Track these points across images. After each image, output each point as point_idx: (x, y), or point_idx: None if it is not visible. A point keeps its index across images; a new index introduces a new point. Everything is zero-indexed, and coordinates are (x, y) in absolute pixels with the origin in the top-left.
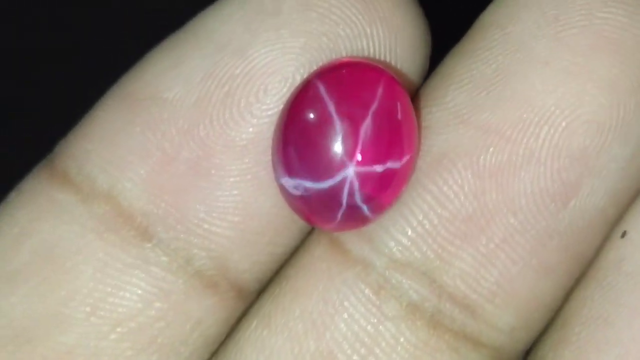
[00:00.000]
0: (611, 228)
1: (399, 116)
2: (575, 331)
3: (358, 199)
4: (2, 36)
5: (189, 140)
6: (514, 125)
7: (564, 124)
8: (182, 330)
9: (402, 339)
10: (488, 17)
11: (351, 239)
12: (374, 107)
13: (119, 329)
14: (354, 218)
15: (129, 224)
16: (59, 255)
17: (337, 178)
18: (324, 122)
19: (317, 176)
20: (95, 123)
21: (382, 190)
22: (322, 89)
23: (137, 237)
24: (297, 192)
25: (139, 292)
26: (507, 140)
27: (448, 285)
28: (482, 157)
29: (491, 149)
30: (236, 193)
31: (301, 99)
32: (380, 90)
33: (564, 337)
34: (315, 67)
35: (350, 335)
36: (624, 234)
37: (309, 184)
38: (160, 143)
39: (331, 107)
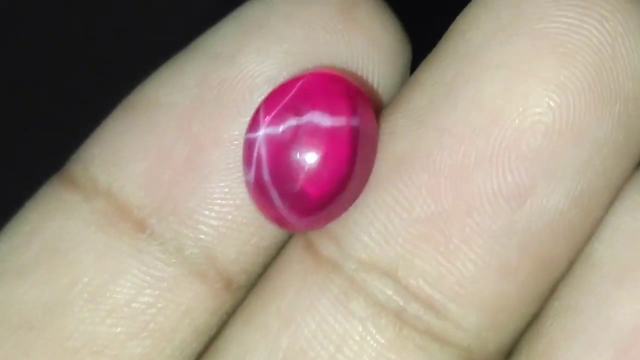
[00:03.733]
0: (581, 233)
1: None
2: (547, 323)
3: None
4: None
5: (182, 138)
6: (466, 127)
7: (513, 125)
8: (173, 317)
9: (369, 338)
10: (455, 24)
11: (322, 240)
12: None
13: (114, 315)
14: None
15: (126, 217)
16: (63, 248)
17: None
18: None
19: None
20: (103, 130)
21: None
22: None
23: (133, 228)
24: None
25: (133, 279)
26: (461, 142)
27: (412, 286)
28: (437, 159)
29: (446, 151)
30: (223, 185)
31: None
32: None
33: (536, 329)
34: (297, 70)
35: (319, 333)
36: None
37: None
38: (157, 142)
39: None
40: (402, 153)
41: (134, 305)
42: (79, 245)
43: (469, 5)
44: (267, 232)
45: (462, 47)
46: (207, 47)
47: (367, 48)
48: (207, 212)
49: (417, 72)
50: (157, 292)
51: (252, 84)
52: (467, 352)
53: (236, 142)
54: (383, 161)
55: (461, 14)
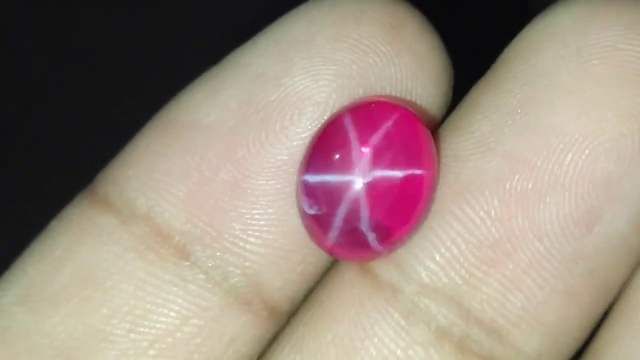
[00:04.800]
0: (636, 258)
1: (416, 145)
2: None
3: (364, 222)
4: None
5: (226, 162)
6: (539, 152)
7: (587, 151)
8: (217, 347)
9: None
10: (511, 51)
11: (380, 264)
12: (387, 126)
13: (157, 345)
14: (354, 243)
15: (168, 243)
16: (99, 275)
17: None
18: (341, 143)
19: (329, 197)
20: (136, 150)
21: (394, 216)
22: (347, 120)
23: (175, 255)
24: (311, 212)
25: (177, 308)
26: (533, 168)
27: (476, 310)
28: (508, 184)
29: (517, 176)
30: (271, 212)
31: (327, 129)
32: (395, 117)
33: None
34: (346, 93)
35: (380, 359)
36: None
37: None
38: (199, 166)
39: (351, 134)
40: (469, 178)
41: (178, 335)
42: (116, 272)
43: (525, 30)
44: (313, 260)
45: (526, 72)
46: (246, 65)
47: (415, 70)
48: (253, 240)
49: (470, 97)
50: (202, 322)
51: (300, 107)
52: None
53: (284, 167)
54: (447, 185)
55: (517, 39)
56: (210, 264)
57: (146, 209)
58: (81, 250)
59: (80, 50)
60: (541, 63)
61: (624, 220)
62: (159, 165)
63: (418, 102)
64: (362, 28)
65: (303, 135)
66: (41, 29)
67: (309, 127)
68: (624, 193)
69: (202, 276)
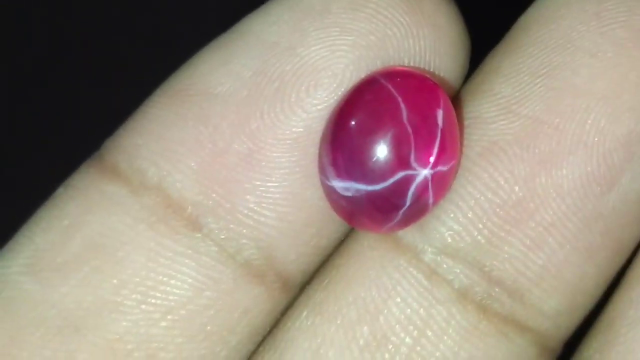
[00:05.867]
0: None
1: (451, 124)
2: (622, 332)
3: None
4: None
5: (240, 133)
6: (561, 113)
7: (609, 111)
8: (230, 319)
9: (453, 322)
10: (529, 17)
11: None
12: (439, 116)
13: (169, 317)
14: (411, 219)
15: (180, 215)
16: (109, 245)
17: (395, 178)
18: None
19: (373, 178)
20: (145, 119)
21: (441, 191)
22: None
23: (188, 227)
24: (347, 194)
25: (190, 280)
26: (555, 128)
27: (497, 270)
28: (531, 145)
29: (540, 137)
30: (286, 185)
31: (369, 98)
32: (441, 102)
33: (610, 338)
34: (363, 65)
35: (403, 318)
36: None
37: (362, 186)
38: (212, 136)
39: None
40: (492, 139)
41: (190, 307)
42: (127, 243)
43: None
44: (326, 233)
45: (546, 37)
46: (259, 34)
47: (434, 41)
48: (267, 213)
49: (489, 62)
50: (215, 294)
51: (316, 78)
52: (543, 339)
53: (300, 140)
54: (470, 147)
55: (533, 6)
56: (223, 236)
57: (157, 180)
58: (91, 220)
59: (80, 40)
60: (561, 28)
61: None
62: (170, 134)
63: (436, 73)
64: None
65: (319, 108)
66: (41, 20)
67: (325, 99)
68: None
69: (214, 248)
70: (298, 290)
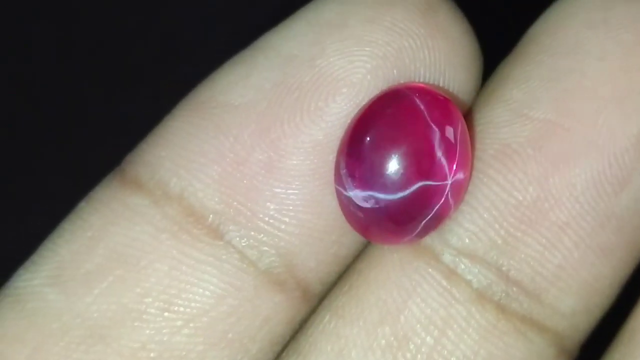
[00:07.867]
0: None
1: (465, 135)
2: None
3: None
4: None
5: (260, 142)
6: (572, 115)
7: (619, 111)
8: (251, 327)
9: (472, 322)
10: (538, 27)
11: None
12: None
13: (192, 324)
14: (430, 229)
15: (201, 223)
16: (132, 255)
17: (416, 189)
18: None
19: (393, 188)
20: (166, 132)
21: (458, 200)
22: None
23: (209, 235)
24: (366, 205)
25: (212, 288)
26: (567, 130)
27: (515, 270)
28: (544, 146)
29: (552, 138)
30: (306, 192)
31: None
32: (457, 114)
33: (631, 352)
34: (380, 74)
35: (423, 318)
36: None
37: (382, 196)
38: (233, 146)
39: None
40: (506, 142)
41: (212, 314)
42: (150, 252)
43: (548, 9)
44: (346, 241)
45: (554, 44)
46: (279, 47)
47: (448, 53)
48: (287, 220)
49: (502, 70)
50: (236, 302)
51: (335, 88)
52: (561, 339)
53: (319, 148)
54: (483, 151)
55: (541, 17)
56: (244, 244)
57: (179, 190)
58: (114, 231)
59: (88, 45)
60: (569, 35)
61: None
62: (192, 146)
63: (450, 85)
64: (396, 10)
65: (338, 116)
66: (49, 24)
67: (344, 108)
68: None
69: (236, 256)
70: (317, 301)
